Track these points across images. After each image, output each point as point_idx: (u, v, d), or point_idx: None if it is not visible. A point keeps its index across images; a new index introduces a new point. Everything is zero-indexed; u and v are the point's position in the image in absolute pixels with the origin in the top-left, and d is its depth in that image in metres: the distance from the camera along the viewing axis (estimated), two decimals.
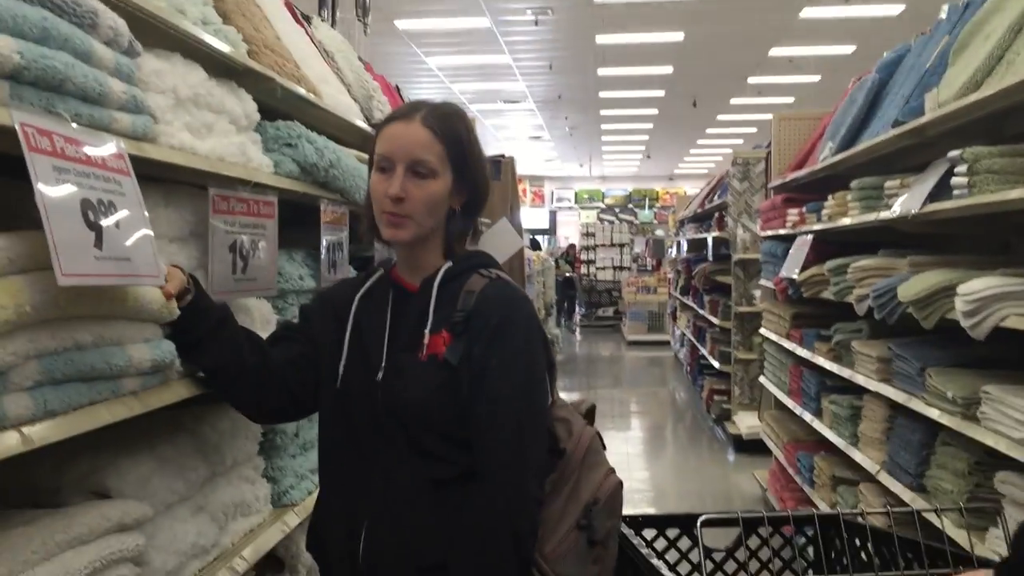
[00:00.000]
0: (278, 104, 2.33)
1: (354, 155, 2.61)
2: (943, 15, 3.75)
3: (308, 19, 3.30)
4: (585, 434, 1.66)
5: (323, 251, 2.36)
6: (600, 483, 1.62)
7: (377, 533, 1.58)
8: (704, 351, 9.07)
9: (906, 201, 2.92)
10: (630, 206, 24.30)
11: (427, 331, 1.58)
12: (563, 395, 1.79)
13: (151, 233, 1.44)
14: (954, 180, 2.57)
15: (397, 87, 4.48)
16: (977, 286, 2.29)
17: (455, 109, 1.67)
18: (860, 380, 3.44)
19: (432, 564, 1.55)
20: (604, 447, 1.73)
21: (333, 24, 4.51)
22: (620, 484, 1.68)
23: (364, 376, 1.62)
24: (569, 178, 24.99)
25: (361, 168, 2.55)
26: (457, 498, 1.55)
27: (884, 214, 3.22)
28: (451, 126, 1.63)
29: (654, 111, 15.56)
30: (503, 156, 6.37)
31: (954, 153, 2.57)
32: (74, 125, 1.30)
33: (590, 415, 1.80)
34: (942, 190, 2.73)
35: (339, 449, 1.67)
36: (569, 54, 11.40)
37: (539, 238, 19.37)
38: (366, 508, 1.60)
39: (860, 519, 1.88)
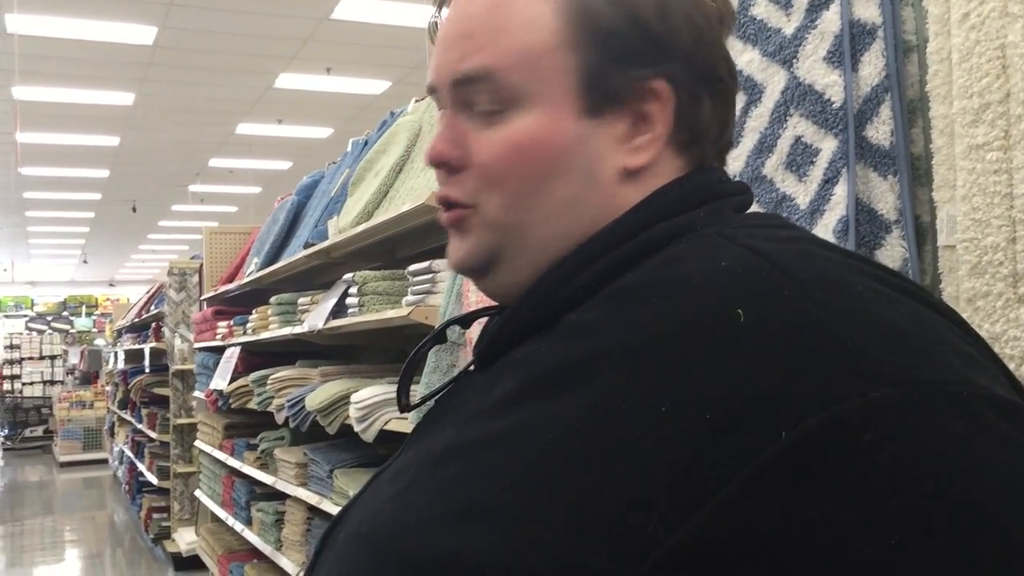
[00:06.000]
0: None
1: None
2: (349, 148, 4.22)
3: None
4: None
5: None
6: None
7: None
8: (142, 467, 8.65)
9: (312, 318, 3.18)
10: (65, 314, 22.44)
11: None
12: None
13: None
14: (348, 300, 2.89)
15: None
16: (366, 394, 2.58)
17: None
18: (282, 486, 3.60)
19: None
20: None
21: None
22: None
23: None
24: None
25: None
26: None
27: (298, 329, 3.46)
28: None
29: (90, 214, 14.75)
30: None
31: (348, 276, 2.89)
32: None
33: None
34: (342, 307, 3.03)
35: None
36: None
37: None
38: None
39: None
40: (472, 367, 0.79)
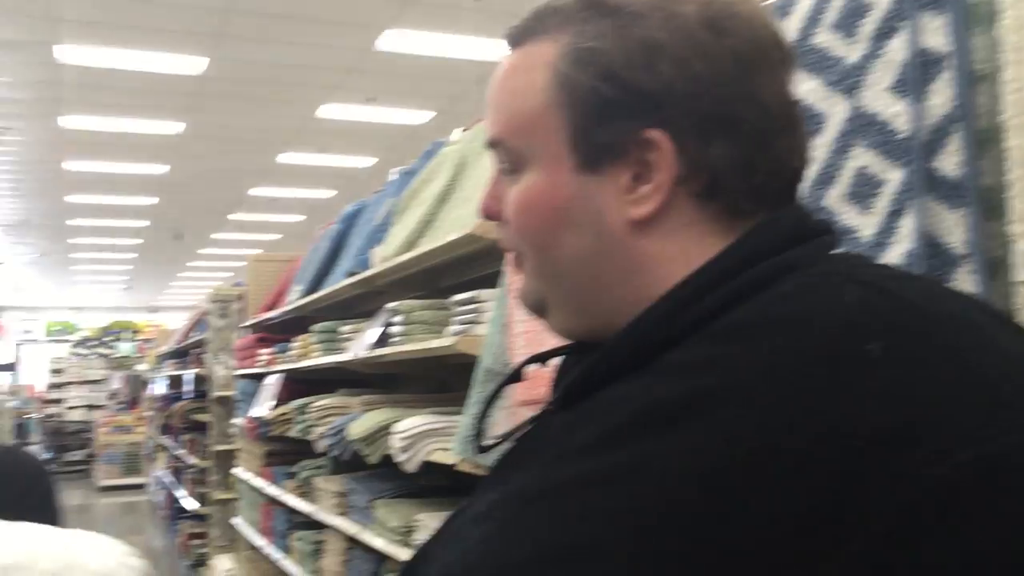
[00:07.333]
0: None
1: None
2: (393, 176, 4.23)
3: None
4: None
5: None
6: None
7: None
8: (181, 493, 8.70)
9: (355, 345, 3.18)
10: (108, 339, 22.72)
11: None
12: None
13: None
14: (392, 328, 2.88)
15: None
16: (409, 424, 2.55)
17: None
18: (321, 515, 3.58)
19: None
20: None
21: None
22: None
23: None
24: (37, 308, 22.74)
25: None
26: None
27: (340, 357, 3.46)
28: None
29: (138, 241, 14.99)
30: None
31: (391, 305, 2.88)
32: None
33: None
34: (385, 336, 3.02)
35: None
36: (34, 177, 10.61)
37: None
38: None
39: None
40: (550, 406, 0.77)
